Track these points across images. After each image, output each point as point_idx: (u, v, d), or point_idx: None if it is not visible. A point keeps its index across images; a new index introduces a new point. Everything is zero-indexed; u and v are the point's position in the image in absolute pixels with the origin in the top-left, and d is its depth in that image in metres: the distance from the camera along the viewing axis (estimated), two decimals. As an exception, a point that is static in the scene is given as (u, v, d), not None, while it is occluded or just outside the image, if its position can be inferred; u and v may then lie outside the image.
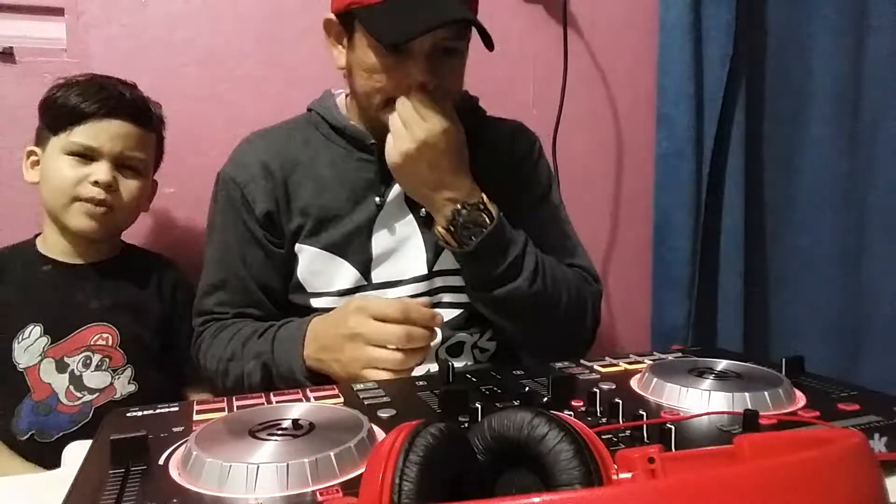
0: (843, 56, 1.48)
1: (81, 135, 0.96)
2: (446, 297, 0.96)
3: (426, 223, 0.94)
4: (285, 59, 1.26)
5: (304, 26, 1.26)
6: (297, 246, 0.93)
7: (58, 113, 0.98)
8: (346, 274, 0.92)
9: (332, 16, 0.91)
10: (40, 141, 1.01)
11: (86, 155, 0.97)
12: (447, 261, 0.94)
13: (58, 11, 1.16)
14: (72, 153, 0.97)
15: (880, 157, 1.50)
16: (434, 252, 0.94)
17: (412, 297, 0.93)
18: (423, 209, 0.93)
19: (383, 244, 0.93)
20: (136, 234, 1.13)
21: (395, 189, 0.93)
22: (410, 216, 0.94)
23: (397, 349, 0.75)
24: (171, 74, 1.20)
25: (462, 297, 0.95)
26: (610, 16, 1.44)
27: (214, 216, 0.98)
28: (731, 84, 1.40)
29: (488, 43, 0.86)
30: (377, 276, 0.93)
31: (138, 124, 1.01)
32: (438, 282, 0.95)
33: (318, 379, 0.80)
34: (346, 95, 1.00)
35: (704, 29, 1.39)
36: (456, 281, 0.95)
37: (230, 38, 1.23)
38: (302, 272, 0.93)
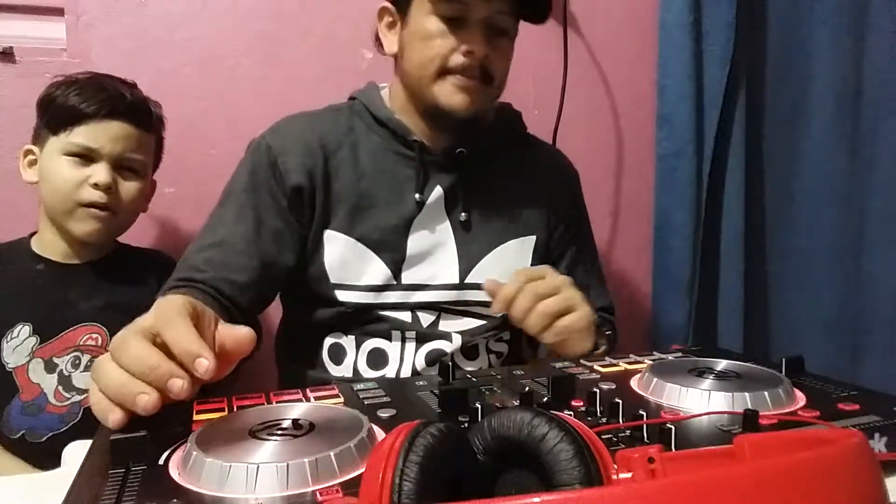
0: (843, 56, 1.48)
1: (81, 136, 0.96)
2: (475, 309, 0.95)
3: (463, 229, 0.94)
4: (285, 59, 1.26)
5: (304, 26, 1.26)
6: (327, 233, 0.91)
7: (57, 113, 0.97)
8: (376, 270, 0.91)
9: (387, 3, 0.93)
10: (38, 140, 1.00)
11: (85, 156, 0.97)
12: (480, 274, 0.94)
13: (58, 11, 1.16)
14: (71, 154, 0.97)
15: (880, 156, 1.50)
16: (467, 263, 0.94)
17: (436, 302, 0.93)
18: (463, 213, 0.94)
19: (419, 245, 0.93)
20: (136, 233, 1.13)
21: (437, 191, 0.93)
22: (447, 221, 0.94)
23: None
24: (171, 74, 1.20)
25: (487, 311, 0.94)
26: (610, 16, 1.44)
27: (237, 177, 0.92)
28: (731, 84, 1.40)
29: (542, 13, 0.92)
30: (407, 277, 0.92)
31: (138, 126, 1.00)
32: (469, 294, 0.94)
33: None
34: (390, 89, 1.00)
35: (704, 29, 1.39)
36: (486, 296, 0.93)
37: (230, 38, 1.23)
38: (330, 262, 0.91)
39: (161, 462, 0.47)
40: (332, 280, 0.91)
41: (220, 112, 1.23)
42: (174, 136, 1.13)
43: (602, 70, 1.46)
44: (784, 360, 0.67)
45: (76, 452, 0.55)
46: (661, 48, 1.41)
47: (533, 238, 0.99)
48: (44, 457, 0.94)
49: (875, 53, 1.48)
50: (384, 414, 0.57)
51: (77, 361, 0.98)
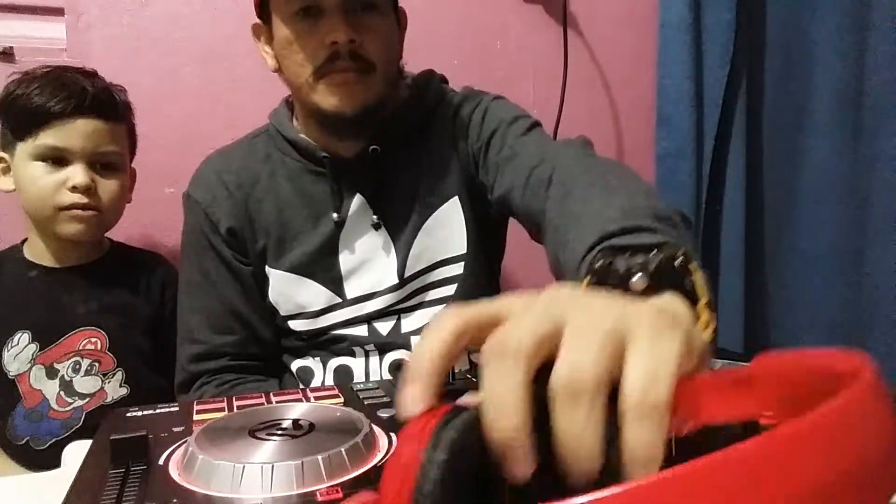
0: (844, 55, 1.48)
1: (50, 137, 0.93)
2: (428, 296, 0.92)
3: (389, 231, 0.91)
4: (285, 59, 1.26)
5: (304, 26, 1.26)
6: (267, 269, 0.91)
7: (20, 117, 0.94)
8: (317, 294, 0.90)
9: (257, 20, 0.90)
10: (6, 147, 0.97)
11: (57, 158, 0.94)
12: (417, 261, 0.91)
13: (58, 11, 1.16)
14: (42, 158, 0.93)
15: (882, 156, 1.50)
16: (402, 258, 0.91)
17: (387, 308, 0.91)
18: (375, 216, 0.90)
19: (351, 260, 0.90)
20: (134, 234, 1.13)
21: (355, 202, 0.90)
22: (372, 228, 0.91)
23: None
24: (171, 74, 1.20)
25: (444, 292, 0.92)
26: (610, 16, 1.44)
27: (186, 241, 0.94)
28: (731, 84, 1.40)
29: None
30: (350, 291, 0.91)
31: (106, 119, 0.96)
32: (413, 286, 0.92)
33: None
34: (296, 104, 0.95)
35: (704, 28, 1.39)
36: (431, 278, 0.92)
37: (230, 38, 1.23)
38: (273, 295, 0.91)
39: (161, 462, 0.47)
40: (282, 313, 0.91)
41: (219, 112, 1.23)
42: (174, 137, 1.12)
43: (602, 70, 1.46)
44: (784, 360, 0.67)
45: (76, 452, 0.55)
46: (661, 48, 1.41)
47: (454, 199, 0.92)
48: (46, 463, 0.93)
49: (877, 52, 1.48)
50: (384, 414, 0.57)
51: (77, 366, 0.98)
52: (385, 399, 0.62)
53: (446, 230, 0.92)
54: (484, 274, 0.96)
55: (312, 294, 0.90)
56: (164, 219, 1.22)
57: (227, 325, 0.91)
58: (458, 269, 0.92)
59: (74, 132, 0.93)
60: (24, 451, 0.95)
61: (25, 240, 1.03)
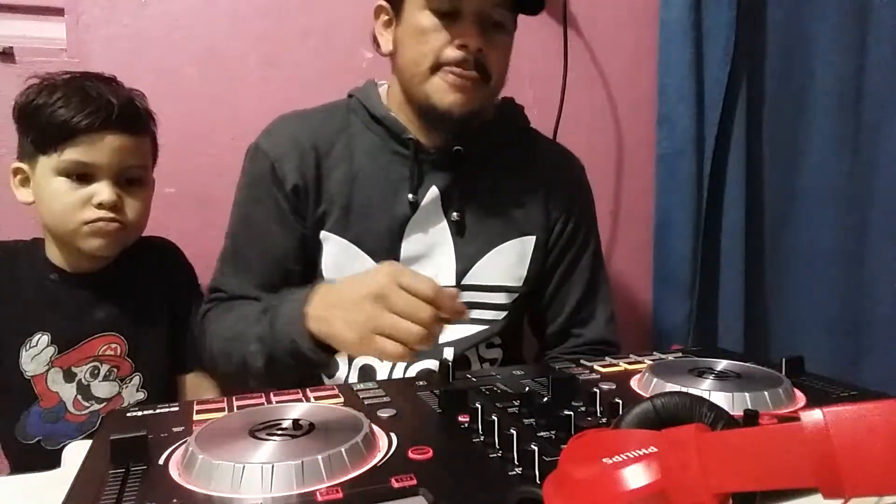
0: (844, 55, 1.48)
1: (75, 153, 0.89)
2: (473, 314, 0.93)
3: (459, 231, 0.93)
4: (285, 59, 1.26)
5: (304, 26, 1.26)
6: (323, 233, 0.91)
7: (43, 131, 0.90)
8: None
9: (383, 1, 0.93)
10: (26, 157, 0.94)
11: (82, 174, 0.90)
12: (477, 275, 0.93)
13: (58, 11, 1.16)
14: (66, 173, 0.90)
15: (882, 156, 1.50)
16: (465, 264, 0.93)
17: None
18: (455, 214, 0.92)
19: (413, 248, 0.91)
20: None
21: (433, 191, 0.92)
22: (444, 222, 0.93)
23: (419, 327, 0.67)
24: (171, 74, 1.20)
25: (488, 315, 0.94)
26: (610, 16, 1.44)
27: (242, 189, 0.95)
28: (731, 84, 1.40)
29: (537, 3, 0.89)
30: None
31: (133, 133, 0.93)
32: (466, 296, 0.92)
33: (322, 351, 0.75)
34: (388, 87, 0.98)
35: (705, 28, 1.39)
36: (484, 298, 0.94)
37: (230, 38, 1.23)
38: (326, 263, 0.91)
39: (161, 462, 0.47)
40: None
41: (220, 112, 1.23)
42: (174, 136, 1.12)
43: (602, 70, 1.46)
44: (784, 360, 0.68)
45: (76, 452, 0.55)
46: (661, 48, 1.41)
47: (532, 238, 0.97)
48: (52, 464, 0.93)
49: (876, 52, 1.48)
50: (384, 414, 0.57)
51: (96, 371, 0.97)
52: (385, 399, 0.62)
53: (513, 260, 0.96)
54: (522, 313, 1.02)
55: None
56: (164, 218, 1.22)
57: (268, 280, 0.92)
58: (509, 298, 0.96)
59: (101, 148, 0.90)
60: (33, 451, 0.95)
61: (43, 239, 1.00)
